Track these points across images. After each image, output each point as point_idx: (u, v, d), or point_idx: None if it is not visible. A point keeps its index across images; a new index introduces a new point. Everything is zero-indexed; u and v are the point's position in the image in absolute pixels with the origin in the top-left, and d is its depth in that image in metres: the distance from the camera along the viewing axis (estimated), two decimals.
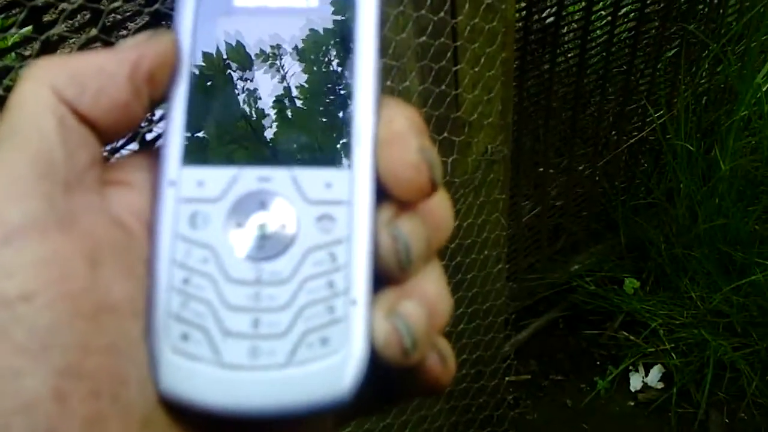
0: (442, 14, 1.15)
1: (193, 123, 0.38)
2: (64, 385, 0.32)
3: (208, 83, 0.39)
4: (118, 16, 1.08)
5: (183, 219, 0.37)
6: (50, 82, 0.36)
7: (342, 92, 0.39)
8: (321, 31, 0.39)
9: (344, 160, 0.37)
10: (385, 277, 0.37)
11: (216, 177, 0.37)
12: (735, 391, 2.23)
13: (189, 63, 0.39)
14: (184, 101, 0.39)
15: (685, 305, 2.36)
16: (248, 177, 0.37)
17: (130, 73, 0.37)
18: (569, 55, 2.11)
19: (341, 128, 0.38)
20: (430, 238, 0.38)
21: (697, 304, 2.33)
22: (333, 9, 0.39)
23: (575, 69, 2.09)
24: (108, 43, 0.94)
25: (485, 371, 1.80)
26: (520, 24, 1.82)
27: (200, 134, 0.38)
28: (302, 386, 0.35)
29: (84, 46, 0.95)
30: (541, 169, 2.22)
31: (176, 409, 0.35)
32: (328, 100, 0.39)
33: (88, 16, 0.96)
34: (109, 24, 0.97)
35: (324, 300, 0.36)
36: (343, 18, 0.39)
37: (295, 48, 0.39)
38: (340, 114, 0.38)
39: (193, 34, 0.39)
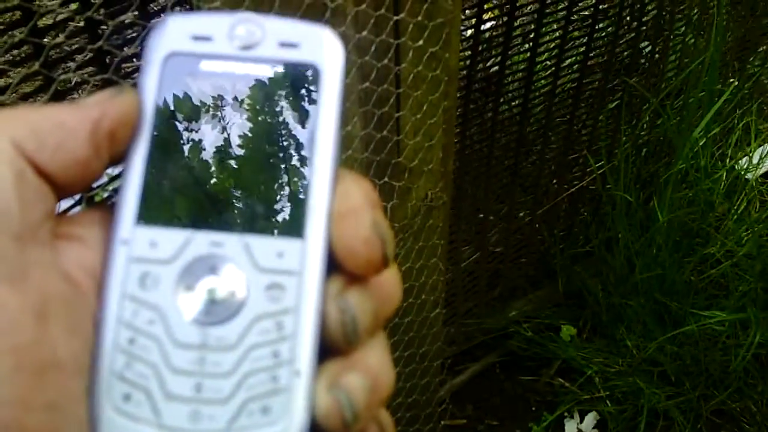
0: (386, 61, 1.16)
1: (149, 183, 0.38)
2: None
3: (168, 145, 0.39)
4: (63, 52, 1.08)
5: (133, 278, 0.37)
6: (10, 134, 0.35)
7: (300, 163, 0.39)
8: (283, 102, 0.40)
9: (297, 231, 0.38)
10: (330, 347, 0.37)
11: (169, 238, 0.38)
12: None
13: (150, 123, 0.39)
14: (142, 161, 0.39)
15: (621, 353, 2.38)
16: (201, 241, 0.38)
17: (91, 130, 0.37)
18: (512, 103, 2.13)
19: (297, 199, 0.38)
20: (377, 312, 0.38)
21: (633, 353, 2.35)
22: (297, 80, 0.40)
23: (518, 118, 2.11)
24: (49, 79, 0.94)
25: (420, 415, 1.80)
26: (464, 72, 1.84)
27: (156, 195, 0.38)
28: None
29: (24, 81, 0.94)
30: (482, 216, 2.24)
31: None
32: (286, 170, 0.39)
33: (30, 51, 0.96)
34: (51, 59, 0.97)
35: (268, 369, 0.36)
36: (306, 89, 0.40)
37: (258, 114, 0.40)
38: (297, 185, 0.39)
39: (157, 94, 0.39)
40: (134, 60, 1.13)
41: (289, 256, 0.38)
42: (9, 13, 0.95)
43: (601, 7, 2.13)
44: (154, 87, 0.40)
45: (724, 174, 2.59)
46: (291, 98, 0.40)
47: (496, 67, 1.97)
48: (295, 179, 0.39)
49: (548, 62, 2.14)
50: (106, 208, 0.39)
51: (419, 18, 1.15)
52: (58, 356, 0.34)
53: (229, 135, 0.40)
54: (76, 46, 1.03)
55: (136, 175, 0.39)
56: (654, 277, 2.36)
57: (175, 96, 0.40)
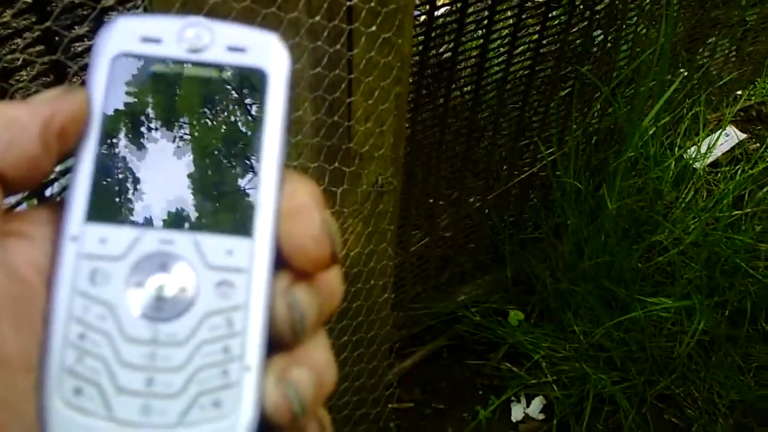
0: (338, 47, 1.16)
1: (99, 180, 0.39)
2: None
3: (116, 144, 0.39)
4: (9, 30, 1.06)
5: (83, 275, 0.37)
6: None
7: (248, 163, 0.40)
8: (231, 102, 0.40)
9: (246, 230, 0.38)
10: (276, 342, 0.38)
11: (119, 235, 0.38)
12: (613, 424, 2.27)
13: (99, 122, 0.39)
14: (92, 158, 0.39)
15: (568, 339, 2.40)
16: (151, 238, 0.38)
17: (42, 126, 0.37)
18: (465, 90, 2.14)
19: (245, 198, 0.39)
20: (322, 307, 0.39)
21: (580, 338, 2.37)
22: (245, 81, 0.41)
23: (470, 104, 2.11)
24: None
25: (368, 399, 1.81)
26: (417, 58, 1.84)
27: (105, 192, 0.38)
28: None
29: None
30: (432, 200, 2.24)
31: None
32: (234, 170, 0.40)
33: None
34: None
35: (219, 364, 0.37)
36: (253, 90, 0.40)
37: (206, 116, 0.40)
38: (245, 184, 0.39)
39: (106, 92, 0.40)
40: (84, 40, 1.12)
41: (238, 254, 0.38)
42: None
43: None
44: (102, 87, 0.40)
45: (673, 163, 2.62)
46: (238, 101, 0.41)
47: (449, 53, 1.97)
48: (243, 179, 0.39)
49: (501, 49, 2.15)
50: (54, 206, 0.39)
51: (372, 4, 1.15)
52: (6, 353, 0.34)
53: (177, 135, 0.40)
54: (24, 24, 1.01)
55: (85, 173, 0.39)
56: (602, 264, 2.38)
57: (123, 96, 0.40)
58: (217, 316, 0.37)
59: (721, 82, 3.20)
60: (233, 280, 0.38)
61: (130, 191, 0.39)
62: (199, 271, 0.38)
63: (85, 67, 1.09)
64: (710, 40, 3.07)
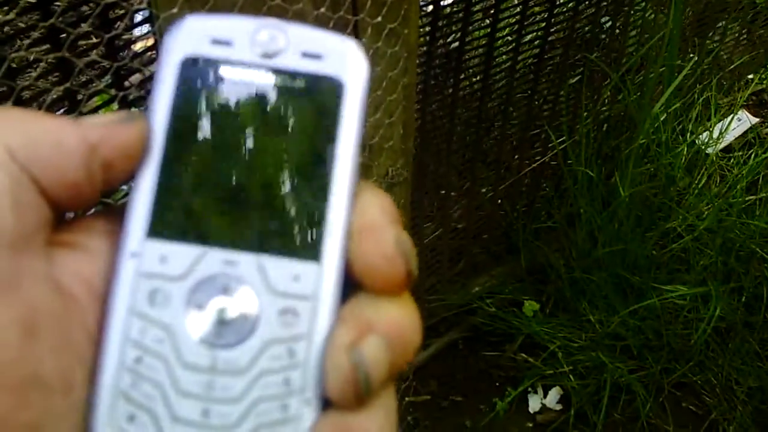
0: None
1: (162, 195, 0.37)
2: None
3: (182, 155, 0.37)
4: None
5: (142, 294, 0.35)
6: (5, 139, 0.33)
7: (319, 182, 0.37)
8: (303, 116, 0.38)
9: (314, 254, 0.36)
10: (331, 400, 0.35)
11: (181, 254, 0.36)
12: (630, 413, 2.27)
13: (165, 129, 0.37)
14: (155, 170, 0.37)
15: (584, 328, 2.39)
16: (214, 259, 0.36)
17: (86, 154, 0.35)
18: (473, 79, 2.13)
19: (314, 220, 0.37)
20: (392, 364, 0.35)
21: (596, 327, 2.36)
22: (319, 94, 0.38)
23: (479, 93, 2.11)
24: (0, 57, 0.92)
25: None
26: (425, 48, 1.84)
27: (169, 207, 0.36)
28: None
29: None
30: (444, 192, 2.24)
31: None
32: (304, 189, 0.37)
33: None
34: (2, 36, 0.95)
35: (279, 396, 0.35)
36: (327, 104, 0.38)
37: (276, 132, 0.38)
38: (315, 205, 0.37)
39: (173, 98, 0.37)
40: (91, 38, 1.12)
41: (305, 280, 0.36)
42: None
43: None
44: (169, 92, 0.38)
45: (685, 149, 2.61)
46: (311, 112, 0.38)
47: (457, 43, 1.96)
48: (313, 198, 0.37)
49: (509, 37, 2.14)
50: (111, 214, 0.37)
51: None
52: (43, 373, 0.32)
53: (245, 148, 0.37)
54: (29, 22, 1.00)
55: (148, 186, 0.37)
56: (616, 252, 2.37)
57: (190, 103, 0.38)
58: (278, 345, 0.35)
59: (732, 66, 3.19)
60: (298, 308, 0.36)
61: (195, 207, 0.37)
62: (263, 296, 0.36)
63: (91, 64, 1.08)
64: (720, 24, 3.05)
